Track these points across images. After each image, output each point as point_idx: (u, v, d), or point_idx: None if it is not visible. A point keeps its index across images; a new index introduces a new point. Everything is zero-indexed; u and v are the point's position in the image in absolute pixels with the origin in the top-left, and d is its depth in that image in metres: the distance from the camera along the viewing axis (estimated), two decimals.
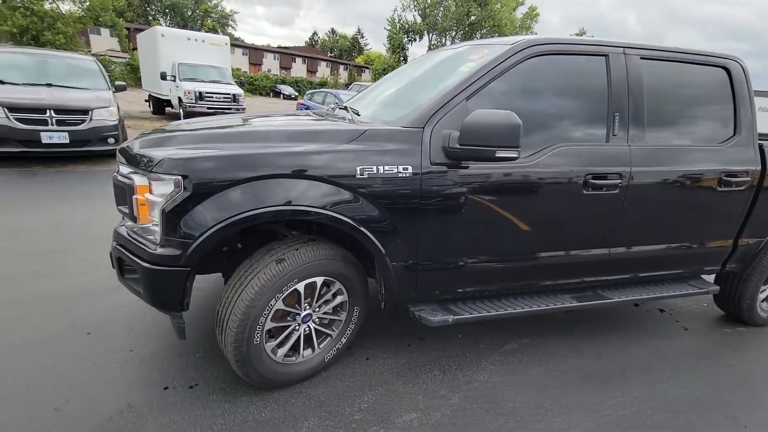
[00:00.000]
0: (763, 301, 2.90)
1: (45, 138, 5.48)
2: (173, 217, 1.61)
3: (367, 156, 1.77)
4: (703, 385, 2.29)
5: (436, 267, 2.02)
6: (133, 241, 1.75)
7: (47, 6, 25.04)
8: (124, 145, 1.94)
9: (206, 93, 11.73)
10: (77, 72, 6.59)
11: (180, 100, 11.69)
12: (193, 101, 11.51)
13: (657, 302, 3.18)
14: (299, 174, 1.69)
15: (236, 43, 48.61)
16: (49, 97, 5.69)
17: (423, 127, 1.85)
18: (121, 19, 33.68)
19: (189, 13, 50.38)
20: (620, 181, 2.10)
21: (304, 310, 1.93)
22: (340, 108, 2.59)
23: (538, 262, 2.18)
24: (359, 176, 1.75)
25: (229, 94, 12.12)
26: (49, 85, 6.07)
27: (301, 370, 2.00)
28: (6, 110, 5.27)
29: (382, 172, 1.77)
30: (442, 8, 45.00)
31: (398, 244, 1.90)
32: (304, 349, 2.02)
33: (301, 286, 1.83)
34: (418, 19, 45.09)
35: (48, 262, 3.05)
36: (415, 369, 2.22)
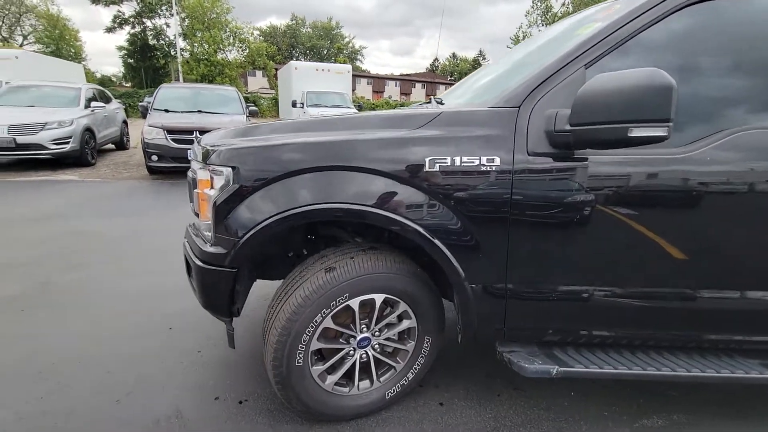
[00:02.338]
0: None
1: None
2: (223, 212, 1.47)
3: (440, 144, 1.39)
4: None
5: (534, 295, 1.49)
6: (194, 238, 1.68)
7: (219, 57, 31.22)
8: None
9: None
10: (222, 101, 7.71)
11: None
12: None
13: None
14: (349, 167, 1.39)
15: (361, 74, 52.93)
16: (197, 121, 6.71)
17: (519, 107, 1.38)
18: (272, 61, 39.87)
19: (325, 51, 57.05)
20: None
21: (361, 332, 1.60)
22: (425, 103, 2.26)
23: (698, 304, 1.46)
24: (428, 169, 1.37)
25: None
26: (199, 111, 7.19)
27: (354, 405, 1.66)
28: (165, 132, 6.35)
29: (458, 164, 1.36)
30: None
31: (480, 260, 1.44)
32: (360, 380, 1.68)
33: (355, 303, 1.51)
34: None
35: (163, 261, 3.36)
36: (501, 430, 1.68)
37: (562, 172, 1.36)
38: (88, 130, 7.48)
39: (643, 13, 1.38)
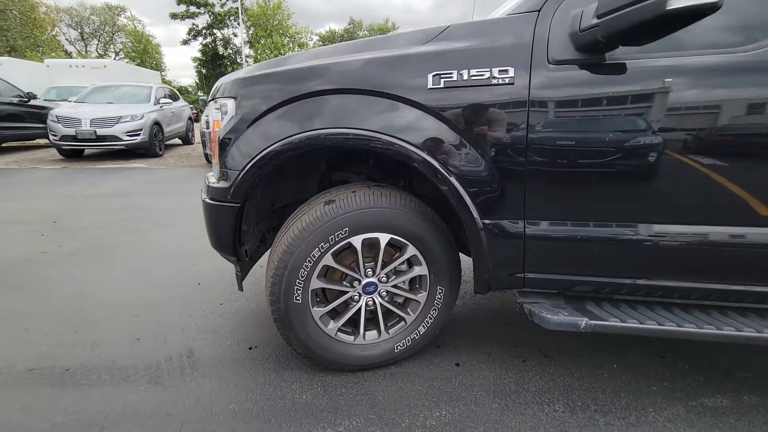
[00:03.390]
0: None
1: None
2: (226, 144, 1.45)
3: (446, 58, 1.24)
4: None
5: (558, 235, 1.29)
6: (206, 180, 1.69)
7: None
8: None
9: None
10: None
11: None
12: None
13: None
14: (347, 89, 1.29)
15: None
16: None
17: (539, 10, 1.20)
18: None
19: None
20: None
21: (366, 276, 1.50)
22: None
23: (755, 250, 1.17)
24: (432, 86, 1.23)
25: None
26: None
27: (361, 355, 1.56)
28: None
29: (466, 78, 1.21)
30: None
31: (491, 191, 1.28)
32: (367, 330, 1.58)
33: (356, 241, 1.41)
34: None
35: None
36: (524, 394, 1.48)
37: (590, 81, 1.16)
38: (157, 124, 8.16)
39: None
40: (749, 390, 1.50)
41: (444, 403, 1.44)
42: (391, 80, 1.27)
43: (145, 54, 36.39)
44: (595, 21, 1.05)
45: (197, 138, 10.86)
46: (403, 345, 1.59)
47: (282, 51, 33.25)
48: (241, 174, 1.40)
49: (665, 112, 1.14)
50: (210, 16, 36.48)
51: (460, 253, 1.57)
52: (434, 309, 1.57)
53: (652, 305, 1.35)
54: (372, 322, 1.60)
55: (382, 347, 1.58)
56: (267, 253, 1.69)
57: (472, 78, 1.21)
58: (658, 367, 1.63)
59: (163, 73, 37.05)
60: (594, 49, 1.11)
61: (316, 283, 1.45)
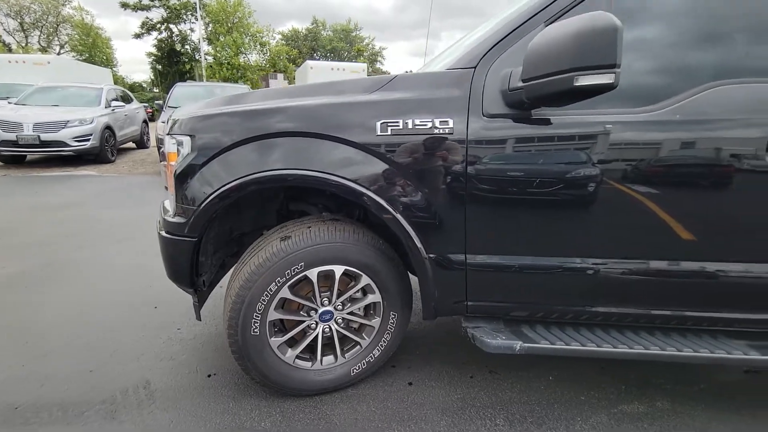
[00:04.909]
0: None
1: None
2: (182, 181, 1.48)
3: (392, 107, 1.35)
4: None
5: (497, 267, 1.43)
6: (162, 212, 1.70)
7: (241, 60, 32.04)
8: None
9: None
10: None
11: None
12: None
13: None
14: (300, 133, 1.37)
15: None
16: None
17: (475, 68, 1.33)
18: (292, 64, 40.53)
19: (345, 54, 57.51)
20: None
21: (323, 305, 1.58)
22: None
23: (675, 277, 1.36)
24: (380, 133, 1.33)
25: None
26: None
27: (318, 380, 1.64)
28: None
29: (410, 126, 1.32)
30: None
31: (436, 228, 1.39)
32: (324, 355, 1.65)
33: (312, 274, 1.49)
34: None
35: None
36: (469, 410, 1.61)
37: (518, 133, 1.30)
38: (108, 128, 7.78)
39: None
40: (663, 396, 1.71)
41: (396, 423, 1.54)
42: (343, 126, 1.36)
43: (94, 48, 34.21)
44: (521, 84, 1.19)
45: (153, 141, 10.42)
46: (359, 368, 1.68)
47: (243, 49, 32.42)
48: (198, 210, 1.44)
49: (584, 159, 1.29)
50: (165, 9, 34.93)
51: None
52: (387, 333, 1.67)
53: (579, 327, 1.52)
54: (329, 347, 1.67)
55: (339, 371, 1.66)
56: (228, 274, 1.72)
57: (416, 126, 1.32)
58: (589, 378, 1.81)
59: (114, 68, 35.01)
60: (521, 107, 1.25)
61: (273, 315, 1.51)
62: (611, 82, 1.03)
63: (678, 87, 1.25)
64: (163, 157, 6.59)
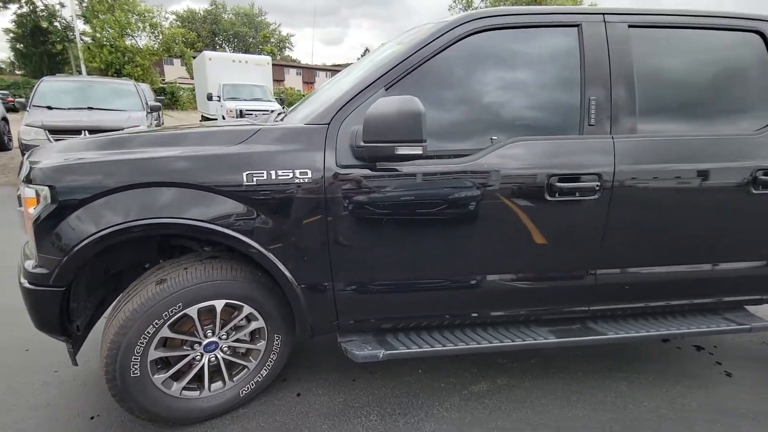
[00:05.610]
0: None
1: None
2: (43, 231, 1.46)
3: (257, 159, 1.50)
4: None
5: (359, 290, 1.68)
6: (23, 258, 1.63)
7: (128, 42, 28.45)
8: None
9: (246, 111, 12.27)
10: (117, 95, 7.12)
11: (224, 118, 12.36)
12: (235, 118, 12.09)
13: (694, 338, 2.51)
14: (168, 183, 1.46)
15: (290, 64, 51.32)
16: (87, 119, 6.16)
17: (328, 124, 1.54)
18: (190, 49, 37.16)
19: (250, 39, 54.27)
20: (598, 183, 1.62)
21: (206, 337, 1.69)
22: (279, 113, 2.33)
23: (488, 287, 1.74)
24: (247, 183, 1.48)
25: (267, 110, 12.59)
26: (89, 108, 6.60)
27: (207, 407, 1.75)
28: (47, 133, 5.76)
29: (274, 177, 1.49)
30: None
31: (305, 263, 1.59)
32: (212, 382, 1.77)
33: (192, 311, 1.59)
34: None
35: None
36: (349, 411, 1.87)
37: (367, 180, 1.54)
38: None
39: (435, 40, 1.60)
40: (503, 373, 2.16)
41: None
42: (212, 177, 1.47)
43: None
44: (363, 143, 1.42)
45: (15, 142, 8.95)
46: (248, 389, 1.82)
47: (129, 30, 28.79)
48: (64, 261, 1.44)
49: (421, 200, 1.59)
50: None
51: None
52: (273, 353, 1.84)
53: (432, 331, 1.85)
54: (217, 373, 1.79)
55: (229, 394, 1.79)
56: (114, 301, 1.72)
57: (279, 177, 1.49)
58: (449, 366, 2.19)
59: None
60: (366, 161, 1.50)
61: (154, 354, 1.58)
62: (421, 152, 1.32)
63: (485, 144, 1.61)
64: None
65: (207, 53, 14.41)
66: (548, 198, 1.62)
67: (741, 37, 1.77)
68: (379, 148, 1.36)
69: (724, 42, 1.78)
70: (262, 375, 1.85)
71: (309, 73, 50.31)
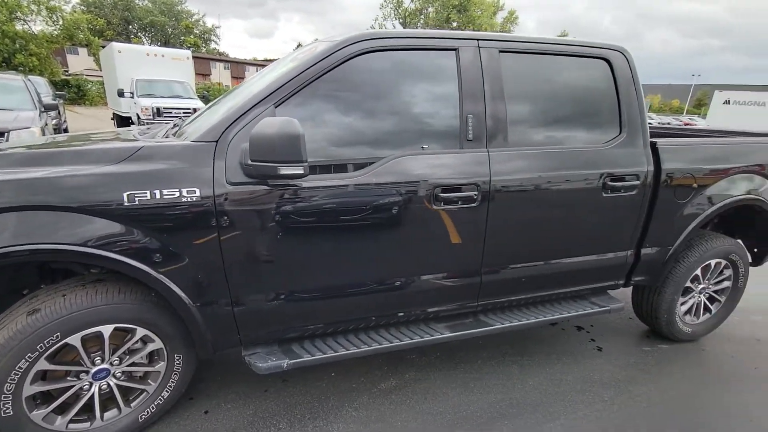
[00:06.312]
0: (685, 314, 2.61)
1: None
2: None
3: (139, 179, 1.46)
4: (598, 423, 1.97)
5: (259, 303, 1.70)
6: None
7: (18, 27, 24.89)
8: None
9: (165, 108, 11.42)
10: (1, 91, 6.26)
11: (138, 117, 11.39)
12: (151, 117, 11.20)
13: (575, 320, 2.88)
14: (44, 206, 1.37)
15: (217, 57, 48.52)
16: None
17: (217, 141, 1.54)
18: (98, 38, 33.49)
19: (170, 30, 50.19)
20: (476, 192, 1.80)
21: (95, 365, 1.61)
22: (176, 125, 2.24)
23: (385, 291, 1.86)
24: (128, 204, 1.43)
25: (189, 108, 11.81)
26: None
27: None
28: None
29: (159, 197, 1.46)
30: (422, 16, 45.45)
31: (199, 280, 1.58)
32: (106, 410, 1.69)
33: (75, 339, 1.50)
34: (399, 27, 45.31)
35: None
36: (257, 423, 1.89)
37: (260, 196, 1.56)
38: None
39: (323, 59, 1.66)
40: (411, 368, 2.31)
41: None
42: (89, 198, 1.40)
43: None
44: (250, 162, 1.45)
45: None
46: (149, 412, 1.77)
47: (19, 13, 25.17)
48: None
49: (315, 212, 1.64)
50: None
51: None
52: (175, 374, 1.80)
53: (337, 336, 1.93)
54: (111, 400, 1.71)
55: (126, 420, 1.72)
56: None
57: (165, 197, 1.46)
58: (360, 366, 2.29)
59: None
60: (256, 178, 1.52)
61: (30, 390, 1.47)
62: (302, 172, 1.39)
63: (374, 159, 1.71)
64: None
65: (116, 45, 13.09)
66: (434, 207, 1.77)
67: (593, 63, 2.07)
68: (265, 167, 1.40)
69: (578, 67, 2.06)
70: (163, 397, 1.80)
71: (238, 67, 47.94)
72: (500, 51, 1.89)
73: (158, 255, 1.50)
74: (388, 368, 2.30)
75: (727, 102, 16.81)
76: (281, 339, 1.87)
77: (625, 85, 2.09)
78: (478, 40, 1.87)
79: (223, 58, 49.61)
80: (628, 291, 2.67)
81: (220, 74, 44.89)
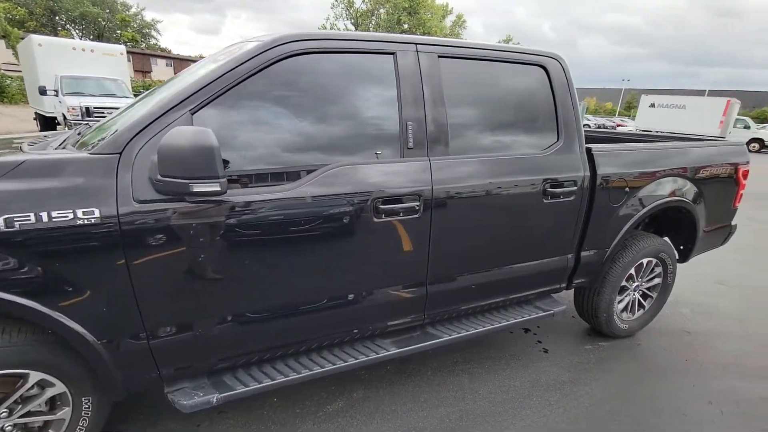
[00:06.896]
0: (622, 311, 2.72)
1: None
2: None
3: (20, 199, 1.23)
4: (545, 430, 1.98)
5: (179, 334, 1.51)
6: None
7: None
8: None
9: (95, 108, 10.45)
10: None
11: (65, 117, 10.35)
12: (80, 118, 10.20)
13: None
14: None
15: (158, 54, 45.71)
16: None
17: (121, 153, 1.34)
18: (18, 29, 30.31)
19: (104, 23, 46.39)
20: (418, 203, 1.73)
21: None
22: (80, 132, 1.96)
23: (327, 310, 1.74)
24: (6, 229, 1.20)
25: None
26: None
27: None
28: None
29: (46, 220, 1.24)
30: (374, 17, 45.58)
31: (104, 315, 1.37)
32: None
33: None
34: (351, 28, 45.13)
35: None
36: None
37: (176, 215, 1.38)
38: None
39: (247, 61, 1.51)
40: (359, 386, 2.20)
41: None
42: None
43: None
44: (160, 177, 1.27)
45: None
46: None
47: None
48: None
49: (243, 232, 1.48)
50: None
51: None
52: (84, 419, 1.56)
53: (275, 361, 1.78)
54: None
55: None
56: None
57: (54, 220, 1.24)
58: (305, 389, 2.15)
59: None
60: (169, 196, 1.34)
61: None
62: (220, 189, 1.23)
63: (311, 168, 1.59)
64: None
65: (35, 38, 11.79)
66: (375, 220, 1.67)
67: (530, 70, 2.07)
68: (175, 183, 1.23)
69: (517, 73, 2.06)
70: None
71: (182, 64, 45.32)
72: (439, 56, 1.83)
73: (49, 288, 1.27)
74: (335, 387, 2.18)
75: (652, 105, 18.37)
76: (209, 371, 1.68)
77: (561, 93, 2.11)
78: (416, 44, 1.80)
79: (165, 55, 46.76)
80: (571, 292, 2.74)
81: (162, 71, 42.23)
